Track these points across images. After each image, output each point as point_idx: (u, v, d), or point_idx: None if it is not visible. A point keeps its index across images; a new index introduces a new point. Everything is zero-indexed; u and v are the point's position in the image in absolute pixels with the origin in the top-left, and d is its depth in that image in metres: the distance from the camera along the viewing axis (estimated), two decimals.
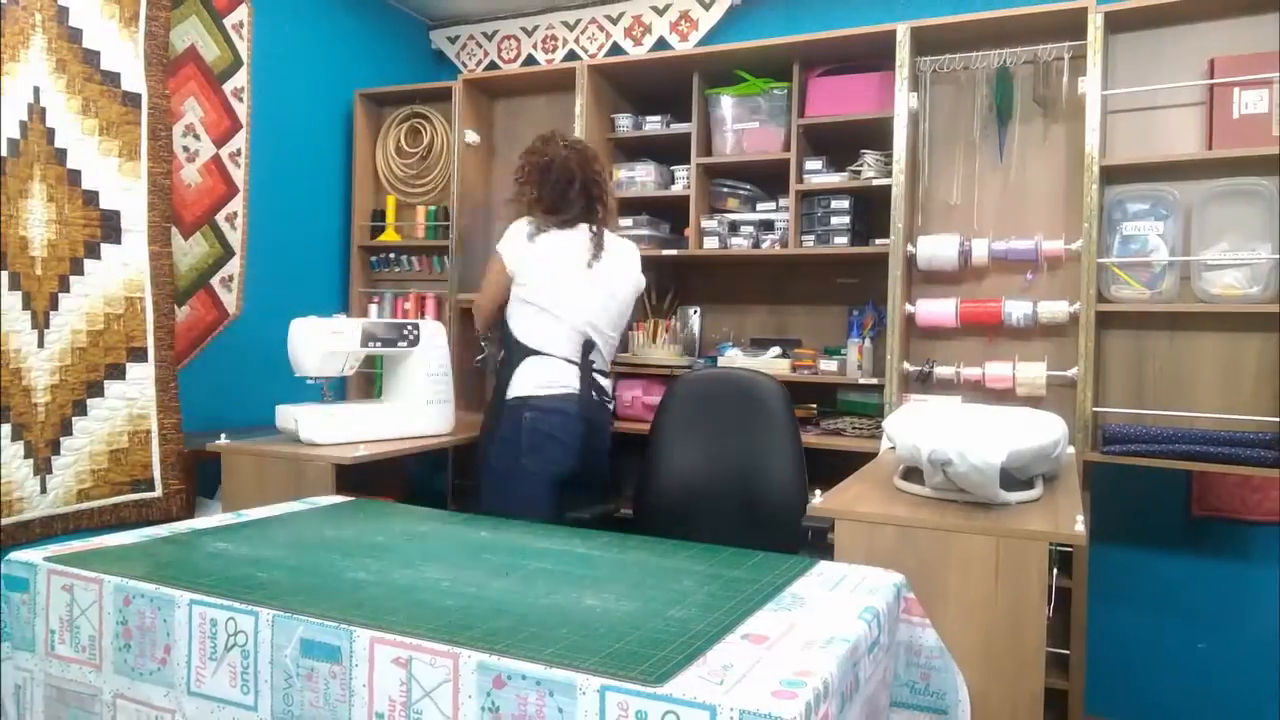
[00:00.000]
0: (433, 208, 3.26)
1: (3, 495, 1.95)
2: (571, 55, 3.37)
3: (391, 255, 3.32)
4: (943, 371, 2.54)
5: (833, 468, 2.66)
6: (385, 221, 3.32)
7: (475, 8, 3.48)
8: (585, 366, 2.28)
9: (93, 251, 2.14)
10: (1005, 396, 2.50)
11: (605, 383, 2.39)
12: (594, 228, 2.31)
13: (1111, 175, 2.35)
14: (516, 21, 3.49)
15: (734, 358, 2.85)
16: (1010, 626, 1.48)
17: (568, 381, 2.26)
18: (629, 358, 2.95)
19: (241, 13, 2.76)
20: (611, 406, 2.44)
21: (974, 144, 2.56)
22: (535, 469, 2.20)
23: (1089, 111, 2.29)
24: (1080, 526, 1.48)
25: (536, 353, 2.26)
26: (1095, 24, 2.27)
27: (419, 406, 2.42)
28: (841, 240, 2.64)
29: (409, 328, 2.39)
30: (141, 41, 2.24)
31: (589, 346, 2.30)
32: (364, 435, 2.29)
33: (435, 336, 2.49)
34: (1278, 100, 2.18)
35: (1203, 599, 2.59)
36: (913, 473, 1.70)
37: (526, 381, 2.24)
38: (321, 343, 2.21)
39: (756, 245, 2.77)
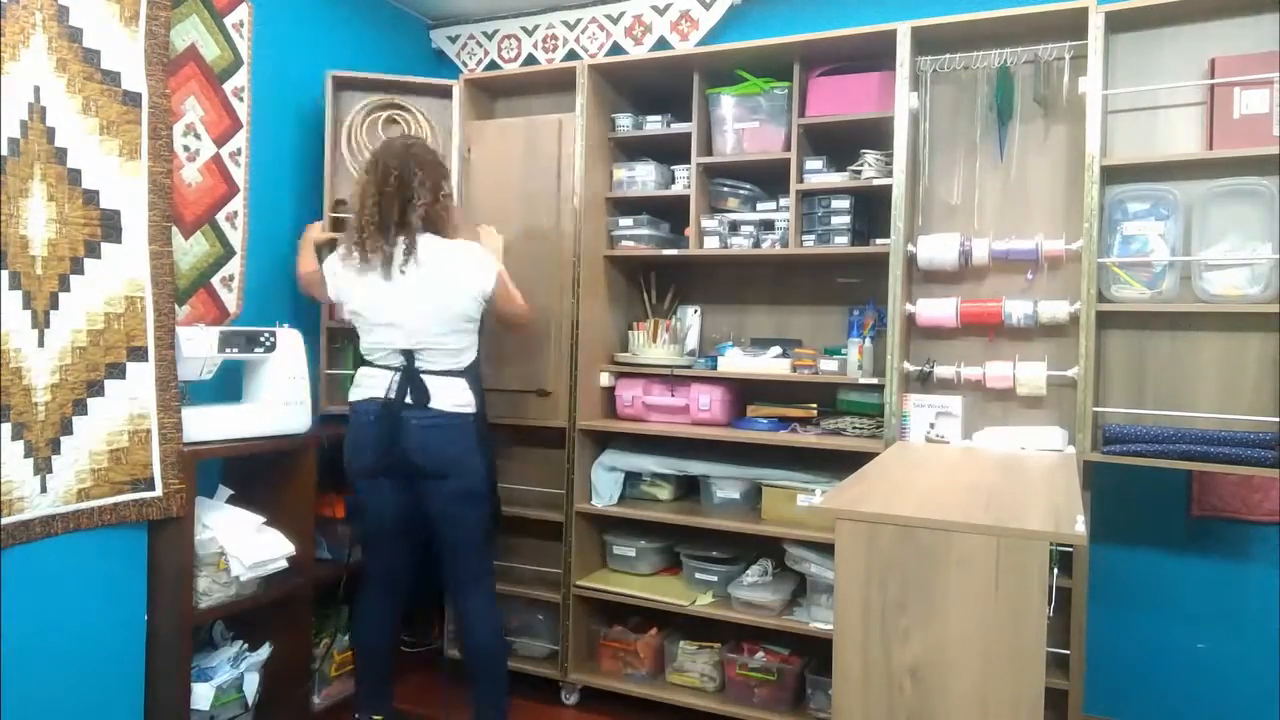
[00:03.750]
0: None
1: (3, 495, 1.95)
2: (572, 55, 3.37)
3: None
4: (943, 371, 2.54)
5: (833, 467, 2.67)
6: None
7: (476, 7, 3.48)
8: (407, 371, 2.33)
9: (93, 251, 2.14)
10: (1005, 396, 2.50)
11: (444, 385, 2.35)
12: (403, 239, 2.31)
13: (1112, 175, 2.35)
14: (517, 21, 3.49)
15: (734, 357, 2.85)
16: (1010, 626, 1.48)
17: (377, 387, 2.34)
18: (629, 358, 2.95)
19: (242, 12, 2.75)
20: (466, 411, 2.37)
21: (974, 144, 2.56)
22: (353, 468, 2.39)
23: (1089, 111, 2.29)
24: (1080, 526, 1.49)
25: (364, 361, 2.41)
26: (1096, 24, 2.27)
27: (276, 407, 2.59)
28: (842, 240, 2.64)
29: (266, 335, 2.57)
30: (142, 41, 2.24)
31: (408, 354, 2.34)
32: (231, 433, 2.47)
33: (292, 343, 2.64)
34: (1278, 100, 2.18)
35: (1203, 599, 2.59)
36: None
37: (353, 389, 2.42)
38: (177, 349, 2.35)
39: (757, 245, 2.77)
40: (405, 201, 2.30)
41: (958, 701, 1.52)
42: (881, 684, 1.57)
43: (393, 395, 2.32)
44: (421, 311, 2.31)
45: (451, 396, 2.35)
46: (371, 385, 2.36)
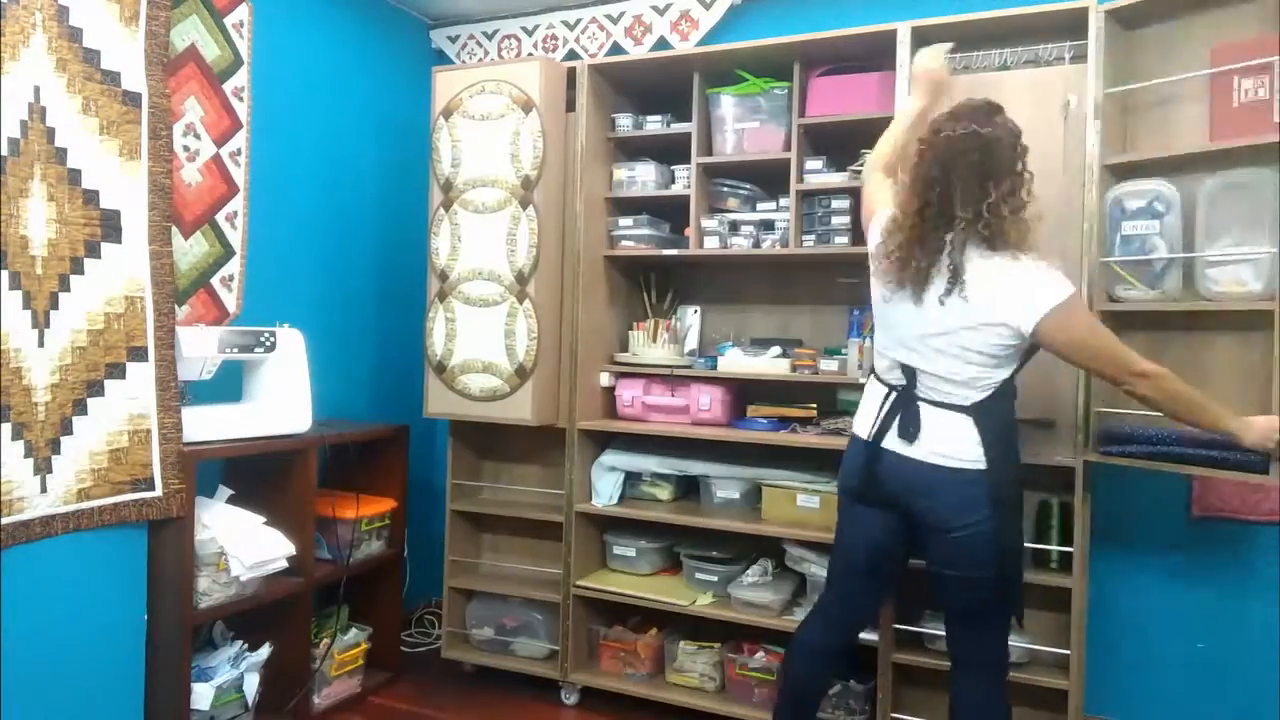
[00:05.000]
0: None
1: (3, 495, 1.95)
2: (572, 55, 3.37)
3: None
4: None
5: (833, 467, 2.66)
6: None
7: (476, 7, 3.48)
8: (903, 395, 1.91)
9: (93, 251, 2.14)
10: None
11: (942, 423, 1.86)
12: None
13: (1112, 174, 2.34)
14: (517, 21, 3.49)
15: (734, 357, 2.85)
16: None
17: (868, 413, 1.99)
18: (629, 358, 2.95)
19: (242, 12, 2.76)
20: (964, 467, 1.84)
21: None
22: (839, 484, 2.09)
23: (1089, 111, 2.28)
24: None
25: (872, 369, 2.08)
26: (1096, 23, 2.27)
27: (277, 407, 2.60)
28: (842, 240, 2.64)
29: (266, 335, 2.57)
30: (142, 40, 2.24)
31: (910, 372, 1.91)
32: (231, 433, 2.47)
33: (292, 343, 2.65)
34: (1278, 85, 2.12)
35: (1203, 599, 2.58)
36: None
37: None
38: (177, 349, 2.35)
39: (757, 245, 2.77)
40: (951, 215, 1.80)
41: None
42: None
43: (874, 432, 1.92)
44: (926, 334, 1.88)
45: (947, 443, 1.86)
46: (866, 409, 2.00)
